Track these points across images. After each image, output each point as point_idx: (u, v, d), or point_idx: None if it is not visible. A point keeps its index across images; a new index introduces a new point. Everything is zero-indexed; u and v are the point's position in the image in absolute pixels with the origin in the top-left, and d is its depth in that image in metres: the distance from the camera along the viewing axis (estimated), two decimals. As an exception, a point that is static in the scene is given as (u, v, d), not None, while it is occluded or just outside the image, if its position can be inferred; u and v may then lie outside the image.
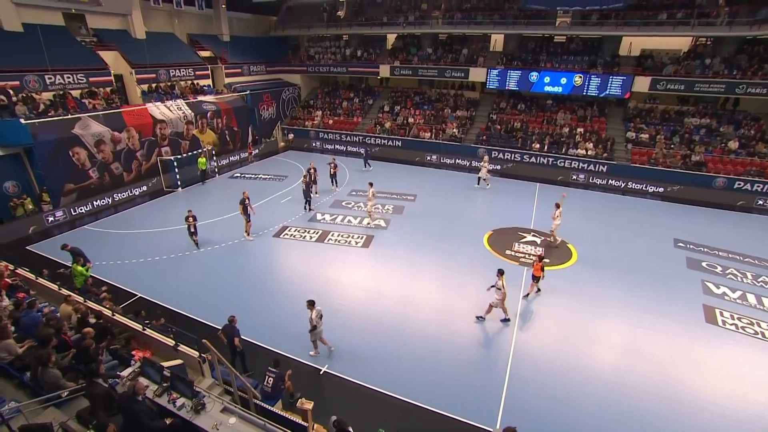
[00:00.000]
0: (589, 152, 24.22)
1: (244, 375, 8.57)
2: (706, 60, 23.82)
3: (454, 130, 27.97)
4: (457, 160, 26.82)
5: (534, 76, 26.25)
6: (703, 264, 14.78)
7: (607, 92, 24.87)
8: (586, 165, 24.00)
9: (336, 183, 22.26)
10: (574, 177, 24.18)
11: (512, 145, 25.97)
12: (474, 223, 17.82)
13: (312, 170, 20.12)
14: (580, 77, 25.16)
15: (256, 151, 29.04)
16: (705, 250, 15.86)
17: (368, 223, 17.45)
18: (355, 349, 10.25)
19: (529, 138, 26.00)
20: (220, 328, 9.28)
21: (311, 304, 9.43)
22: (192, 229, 15.14)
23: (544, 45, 28.53)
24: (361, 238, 16.27)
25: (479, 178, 22.70)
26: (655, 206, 20.79)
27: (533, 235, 16.67)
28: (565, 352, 10.31)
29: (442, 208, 19.52)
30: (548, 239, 16.08)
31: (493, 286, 11.09)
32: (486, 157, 23.38)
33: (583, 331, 11.12)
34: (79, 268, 11.11)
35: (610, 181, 23.38)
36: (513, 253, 15.26)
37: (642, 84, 24.22)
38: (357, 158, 26.85)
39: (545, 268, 12.38)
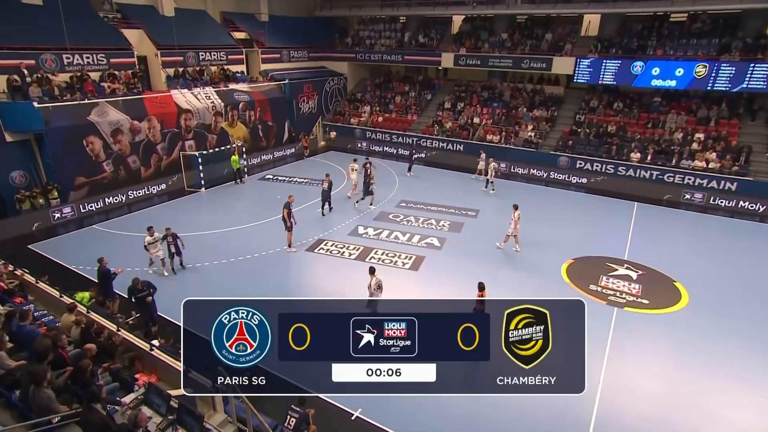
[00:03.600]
0: (711, 164, 22.82)
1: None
2: None
3: (530, 133, 27.40)
4: (531, 170, 26.20)
5: (638, 66, 25.08)
6: None
7: (745, 85, 22.98)
8: (705, 181, 22.63)
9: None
10: (687, 196, 22.84)
11: (604, 153, 25.09)
12: (550, 247, 17.13)
13: (368, 164, 20.82)
14: (704, 66, 23.44)
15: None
16: None
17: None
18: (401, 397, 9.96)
19: (626, 145, 25.01)
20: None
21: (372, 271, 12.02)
22: (173, 249, 14.41)
23: (656, 26, 27.25)
24: (410, 258, 16.06)
25: (487, 180, 23.42)
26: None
27: (627, 268, 15.73)
28: (671, 423, 9.46)
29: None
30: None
31: None
32: (483, 155, 23.40)
33: (697, 400, 10.18)
34: (84, 294, 11.56)
35: (740, 202, 21.87)
36: (599, 288, 14.42)
37: (801, 73, 22.10)
38: (408, 163, 26.86)
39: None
